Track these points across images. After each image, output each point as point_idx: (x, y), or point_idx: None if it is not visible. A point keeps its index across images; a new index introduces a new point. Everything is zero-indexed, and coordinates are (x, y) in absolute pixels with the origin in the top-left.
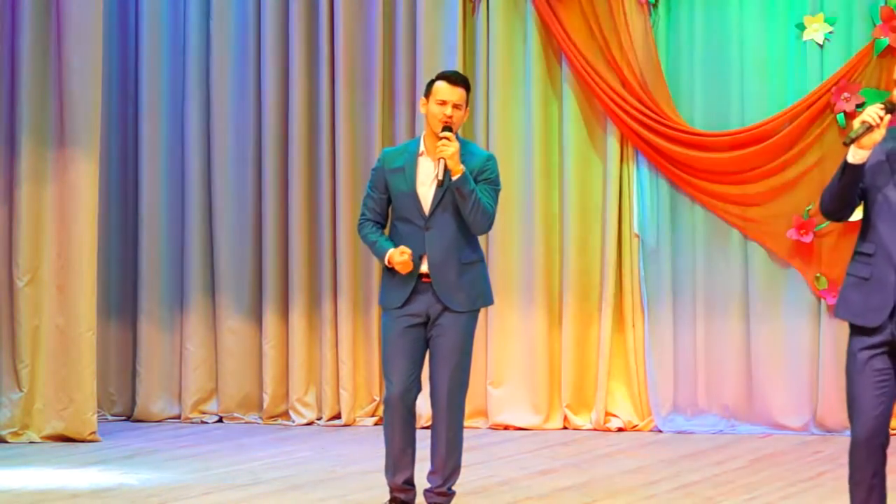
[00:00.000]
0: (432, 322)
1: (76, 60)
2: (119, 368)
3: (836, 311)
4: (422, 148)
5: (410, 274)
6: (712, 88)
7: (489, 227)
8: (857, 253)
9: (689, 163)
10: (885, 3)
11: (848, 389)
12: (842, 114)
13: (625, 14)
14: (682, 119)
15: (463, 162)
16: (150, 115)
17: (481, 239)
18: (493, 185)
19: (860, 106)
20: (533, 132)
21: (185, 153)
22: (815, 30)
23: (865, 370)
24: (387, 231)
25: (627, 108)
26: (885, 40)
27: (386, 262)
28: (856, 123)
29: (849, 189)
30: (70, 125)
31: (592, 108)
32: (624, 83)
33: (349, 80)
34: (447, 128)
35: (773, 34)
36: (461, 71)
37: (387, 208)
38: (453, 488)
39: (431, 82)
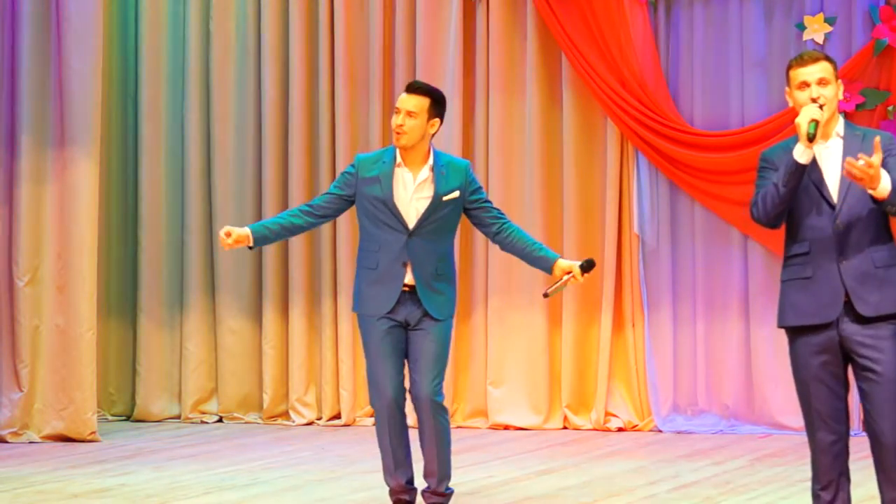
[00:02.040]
0: (412, 327)
1: (76, 60)
2: (119, 368)
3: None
4: (398, 159)
5: (395, 283)
6: (712, 88)
7: None
8: (790, 256)
9: (689, 163)
10: (886, 2)
11: (803, 398)
12: (842, 114)
13: (625, 13)
14: (682, 119)
15: (444, 177)
16: (151, 115)
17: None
18: (484, 194)
19: (860, 105)
20: (533, 132)
21: (186, 153)
22: (815, 30)
23: (822, 376)
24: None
25: (627, 107)
26: (885, 40)
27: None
28: (803, 123)
29: (795, 191)
30: (70, 125)
31: (592, 108)
32: (623, 83)
33: (349, 80)
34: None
35: (773, 34)
36: (461, 71)
37: (338, 209)
38: (450, 486)
39: None
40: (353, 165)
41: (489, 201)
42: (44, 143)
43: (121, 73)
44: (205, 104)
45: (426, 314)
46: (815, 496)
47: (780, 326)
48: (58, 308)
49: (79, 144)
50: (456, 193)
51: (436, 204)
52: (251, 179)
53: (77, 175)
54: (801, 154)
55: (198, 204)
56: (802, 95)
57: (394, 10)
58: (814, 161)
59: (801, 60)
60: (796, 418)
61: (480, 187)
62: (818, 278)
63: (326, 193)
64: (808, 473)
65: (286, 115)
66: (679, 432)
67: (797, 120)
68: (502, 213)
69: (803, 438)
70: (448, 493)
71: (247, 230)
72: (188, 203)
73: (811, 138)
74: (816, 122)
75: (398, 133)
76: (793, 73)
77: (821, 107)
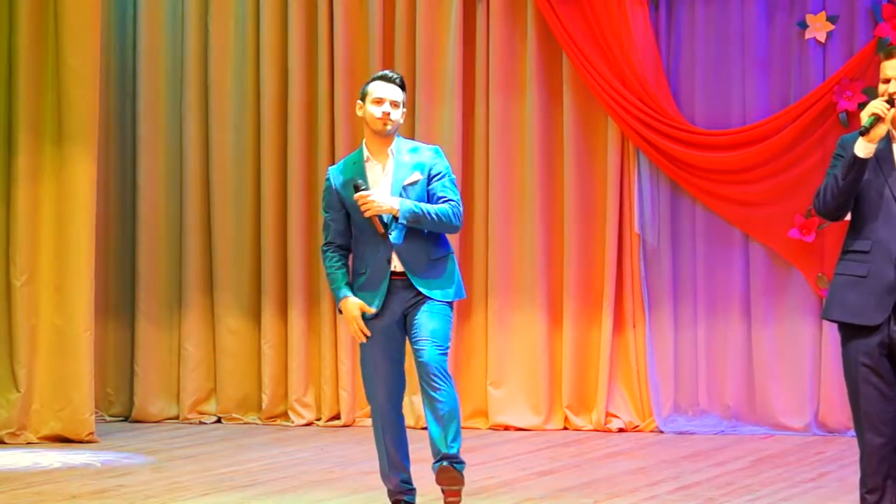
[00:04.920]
0: (410, 308)
1: (74, 59)
2: (117, 369)
3: (827, 313)
4: (367, 154)
5: (382, 274)
6: (713, 87)
7: (459, 224)
8: (848, 251)
9: (690, 162)
10: (888, 0)
11: (853, 399)
12: (844, 113)
13: (626, 12)
14: (684, 118)
15: (406, 163)
16: (149, 114)
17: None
18: (448, 177)
19: (862, 104)
20: (533, 131)
21: (184, 152)
22: (817, 28)
23: (871, 378)
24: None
25: (628, 106)
26: (888, 39)
27: (338, 307)
28: (864, 116)
29: (854, 185)
30: (67, 124)
31: (593, 107)
32: (625, 82)
33: (349, 80)
34: (356, 187)
35: (774, 32)
36: (461, 71)
37: (348, 226)
38: (461, 458)
39: (365, 86)
40: (327, 180)
41: (448, 187)
42: (41, 141)
43: (119, 71)
44: (203, 103)
45: (423, 296)
46: (862, 499)
47: (823, 318)
48: (55, 308)
49: (76, 143)
50: (416, 175)
51: (397, 191)
52: (250, 179)
53: (74, 174)
54: (860, 148)
55: (196, 203)
56: (882, 88)
57: (394, 9)
58: (890, 159)
59: (889, 53)
60: (798, 419)
61: (446, 173)
62: (872, 279)
63: (330, 220)
64: (810, 474)
65: (285, 115)
66: (680, 433)
67: (861, 113)
68: (450, 197)
69: (805, 439)
70: (460, 463)
71: (355, 299)
72: (186, 202)
73: (864, 132)
74: (876, 117)
75: (386, 122)
76: (881, 65)
77: (891, 103)
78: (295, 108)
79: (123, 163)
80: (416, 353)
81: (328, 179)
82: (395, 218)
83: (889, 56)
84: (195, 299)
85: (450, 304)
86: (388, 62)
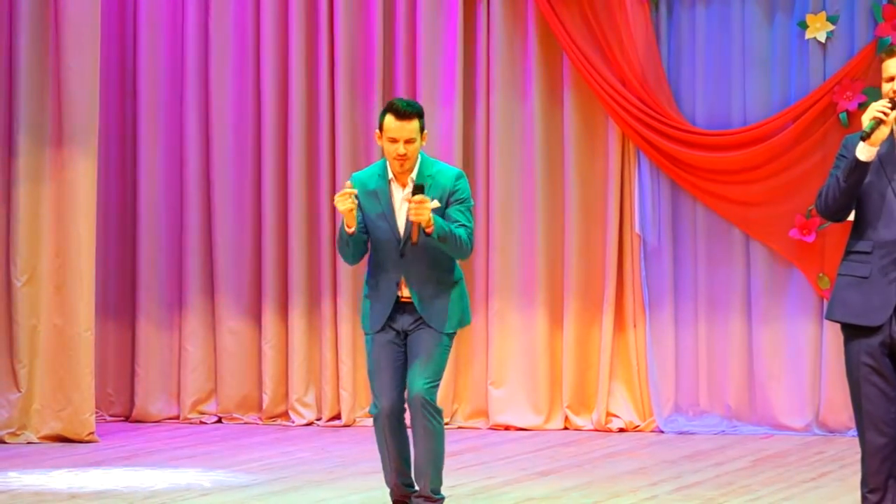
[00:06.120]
0: (412, 330)
1: (74, 59)
2: (117, 369)
3: (830, 313)
4: (390, 174)
5: (389, 296)
6: (714, 87)
7: (471, 250)
8: (851, 252)
9: (690, 162)
10: (888, 1)
11: (855, 398)
12: (844, 113)
13: (626, 12)
14: (684, 118)
15: (432, 183)
16: (149, 115)
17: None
18: (465, 203)
19: (862, 104)
20: (534, 132)
21: (184, 152)
22: (817, 28)
23: (873, 378)
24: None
25: (629, 106)
26: (888, 39)
27: (345, 226)
28: (865, 120)
29: (856, 188)
30: (68, 124)
31: (593, 108)
32: (625, 82)
33: (349, 80)
34: (418, 188)
35: (775, 32)
36: (461, 71)
37: (364, 230)
38: (441, 492)
39: (384, 113)
40: (352, 186)
41: (464, 213)
42: (42, 142)
43: (119, 71)
44: (203, 104)
45: (427, 324)
46: (863, 498)
47: (826, 318)
48: (56, 308)
49: (77, 143)
50: (435, 203)
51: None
52: (250, 179)
53: (75, 174)
54: (861, 151)
55: (196, 204)
56: (885, 88)
57: (394, 9)
58: (892, 160)
59: (891, 52)
60: (798, 419)
61: (465, 198)
62: (874, 280)
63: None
64: (810, 474)
65: (286, 115)
66: (680, 433)
67: (862, 116)
68: (465, 223)
69: (805, 439)
70: (439, 498)
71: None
72: (187, 203)
73: (865, 137)
74: (878, 121)
75: (402, 161)
76: (883, 64)
77: (893, 105)
78: (295, 108)
79: (124, 163)
80: (408, 383)
81: (352, 186)
82: (426, 232)
83: (891, 55)
84: (196, 299)
85: (450, 333)
86: (388, 62)
